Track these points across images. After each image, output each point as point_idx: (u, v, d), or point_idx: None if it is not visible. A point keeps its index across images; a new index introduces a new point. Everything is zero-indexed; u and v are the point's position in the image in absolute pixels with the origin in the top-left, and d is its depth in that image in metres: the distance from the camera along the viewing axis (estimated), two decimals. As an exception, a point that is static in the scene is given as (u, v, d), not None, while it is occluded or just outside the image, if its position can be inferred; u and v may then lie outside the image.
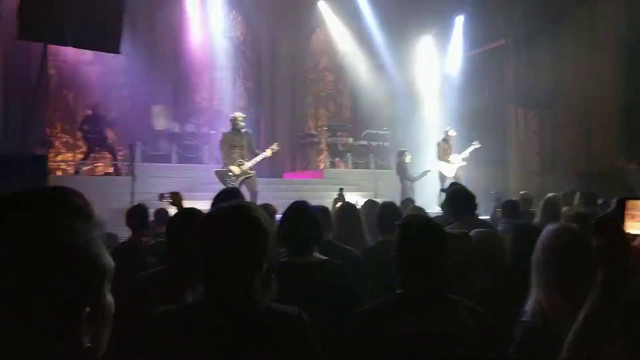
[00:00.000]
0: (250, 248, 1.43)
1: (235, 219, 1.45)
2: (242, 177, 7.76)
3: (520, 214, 4.89)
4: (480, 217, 4.03)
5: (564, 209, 4.78)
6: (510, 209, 4.86)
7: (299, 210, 2.43)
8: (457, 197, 3.79)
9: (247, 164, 7.80)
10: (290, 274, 2.21)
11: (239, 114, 8.18)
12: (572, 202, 5.10)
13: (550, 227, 1.70)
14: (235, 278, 1.42)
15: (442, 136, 10.43)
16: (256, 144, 8.49)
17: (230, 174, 7.74)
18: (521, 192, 6.93)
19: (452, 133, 10.31)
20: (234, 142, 7.86)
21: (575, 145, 11.19)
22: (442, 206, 5.41)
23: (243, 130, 8.05)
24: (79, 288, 0.71)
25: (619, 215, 1.08)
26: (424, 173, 10.11)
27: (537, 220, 4.39)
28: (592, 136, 10.99)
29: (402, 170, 10.26)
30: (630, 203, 1.10)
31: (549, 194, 4.65)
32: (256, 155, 8.00)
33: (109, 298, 0.77)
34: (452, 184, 6.33)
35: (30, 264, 0.67)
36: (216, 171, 8.03)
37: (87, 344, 0.71)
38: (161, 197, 4.90)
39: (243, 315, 1.39)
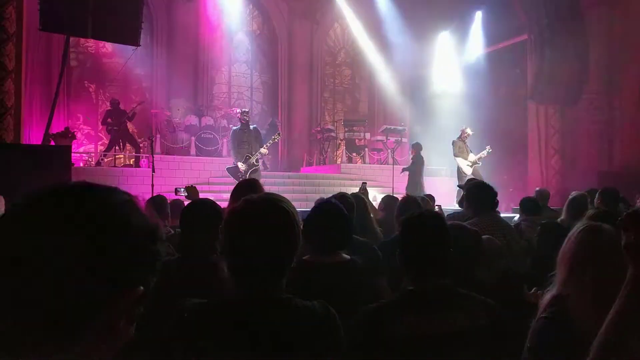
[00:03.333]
0: (283, 243, 1.36)
1: (268, 212, 1.37)
2: (249, 171, 8.09)
3: (540, 210, 4.81)
4: (501, 215, 3.91)
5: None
6: (529, 206, 4.77)
7: (329, 208, 2.26)
8: (476, 192, 3.50)
9: (252, 158, 8.16)
10: (312, 273, 2.09)
11: (243, 109, 8.79)
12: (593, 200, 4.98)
13: (584, 226, 1.63)
14: (268, 274, 1.35)
15: (458, 134, 10.28)
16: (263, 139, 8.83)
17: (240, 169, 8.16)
18: (537, 189, 6.86)
19: (469, 132, 10.11)
20: (242, 138, 8.24)
21: (596, 143, 10.98)
22: (460, 202, 5.35)
23: (252, 126, 8.52)
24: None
25: None
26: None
27: (562, 218, 4.28)
28: (613, 134, 10.78)
29: (418, 164, 10.24)
30: None
31: (575, 192, 4.48)
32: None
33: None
34: (469, 180, 6.26)
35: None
36: (227, 168, 8.46)
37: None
38: (176, 191, 4.96)
39: (276, 312, 1.34)
